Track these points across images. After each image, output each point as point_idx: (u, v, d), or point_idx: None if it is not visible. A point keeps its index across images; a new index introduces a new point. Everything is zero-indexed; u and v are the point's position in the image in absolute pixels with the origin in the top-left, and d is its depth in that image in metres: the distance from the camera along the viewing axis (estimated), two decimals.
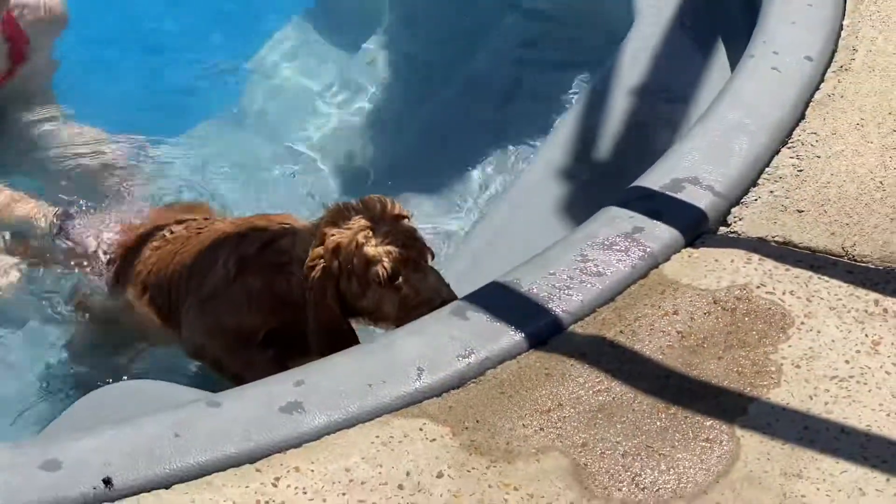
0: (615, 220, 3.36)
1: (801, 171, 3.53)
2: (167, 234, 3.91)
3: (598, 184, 4.24)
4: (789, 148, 3.61)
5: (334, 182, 4.80)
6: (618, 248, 3.27)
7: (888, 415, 2.84)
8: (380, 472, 2.75)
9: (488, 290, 3.21)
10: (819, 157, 3.56)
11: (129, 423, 2.85)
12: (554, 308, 3.12)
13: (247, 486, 2.72)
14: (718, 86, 4.07)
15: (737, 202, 3.45)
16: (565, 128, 4.45)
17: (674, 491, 2.72)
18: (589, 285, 3.17)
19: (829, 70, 3.87)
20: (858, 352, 2.99)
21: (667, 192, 3.44)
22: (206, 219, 4.02)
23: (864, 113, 3.70)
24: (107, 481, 2.68)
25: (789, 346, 3.01)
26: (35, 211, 4.31)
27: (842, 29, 4.04)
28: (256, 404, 2.89)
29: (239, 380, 3.53)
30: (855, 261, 3.24)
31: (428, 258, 3.43)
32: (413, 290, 3.36)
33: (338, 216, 3.43)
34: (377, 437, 2.83)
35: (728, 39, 4.54)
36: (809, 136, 3.63)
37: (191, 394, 3.23)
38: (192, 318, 3.69)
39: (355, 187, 4.69)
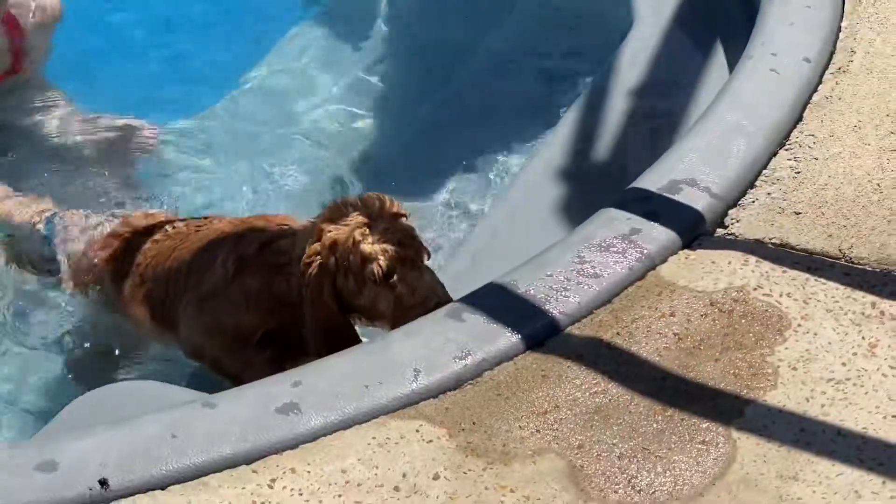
0: (612, 221, 3.36)
1: (798, 172, 3.53)
2: (168, 229, 3.92)
3: (596, 184, 4.24)
4: (787, 150, 3.61)
5: (334, 182, 4.80)
6: (615, 249, 3.27)
7: (885, 417, 2.84)
8: (376, 474, 2.75)
9: (485, 291, 3.21)
10: (817, 159, 3.56)
11: (125, 423, 2.85)
12: (551, 310, 3.12)
13: (243, 488, 2.72)
14: (717, 87, 4.07)
15: (734, 204, 3.45)
16: (564, 128, 4.46)
17: (670, 493, 2.72)
18: (586, 287, 3.17)
19: (827, 72, 3.87)
20: (855, 354, 2.99)
21: (664, 194, 3.44)
22: (205, 217, 4.02)
23: (861, 115, 3.70)
24: (103, 482, 2.69)
25: (786, 349, 3.01)
26: (20, 209, 4.31)
27: (840, 31, 4.04)
28: (253, 405, 2.90)
29: (237, 380, 3.54)
30: (852, 263, 3.24)
31: (424, 257, 3.43)
32: (408, 289, 3.36)
33: (336, 213, 3.44)
34: (373, 438, 2.84)
35: (727, 40, 4.54)
36: (807, 137, 3.63)
37: (188, 394, 3.24)
38: (190, 316, 3.69)
39: (355, 187, 4.70)
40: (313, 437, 2.84)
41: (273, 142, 5.04)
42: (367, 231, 3.36)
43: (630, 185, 3.51)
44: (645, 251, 3.27)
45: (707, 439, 2.82)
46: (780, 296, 3.15)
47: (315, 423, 2.85)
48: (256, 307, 3.58)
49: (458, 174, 4.66)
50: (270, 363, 3.56)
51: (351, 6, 5.76)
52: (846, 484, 2.71)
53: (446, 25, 5.47)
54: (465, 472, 2.76)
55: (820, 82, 3.84)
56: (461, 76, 5.11)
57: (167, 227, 3.95)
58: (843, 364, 2.97)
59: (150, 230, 3.99)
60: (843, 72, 3.87)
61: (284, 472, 2.76)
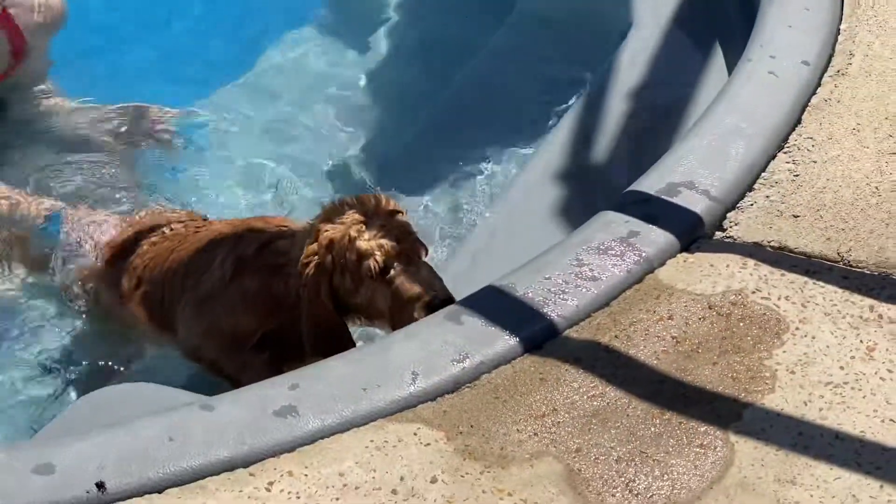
0: (611, 224, 3.36)
1: (797, 175, 3.52)
2: (166, 231, 3.92)
3: (595, 185, 4.25)
4: (785, 153, 3.61)
5: (333, 183, 4.80)
6: (613, 252, 3.27)
7: (882, 421, 2.84)
8: (374, 477, 2.75)
9: (483, 294, 3.21)
10: (815, 161, 3.56)
11: (123, 426, 2.85)
12: (549, 312, 3.12)
13: (240, 491, 2.72)
14: (716, 89, 4.07)
15: (733, 207, 3.45)
16: (563, 130, 4.46)
17: (667, 497, 2.71)
18: (584, 290, 3.17)
19: (825, 74, 3.87)
20: (853, 358, 2.99)
21: (663, 197, 3.43)
22: (204, 219, 4.03)
23: (860, 118, 3.70)
24: (100, 485, 2.68)
25: (784, 352, 3.01)
26: (25, 207, 4.32)
27: (839, 33, 4.04)
28: (251, 408, 2.89)
29: (234, 382, 3.54)
30: (850, 266, 3.23)
31: (422, 253, 3.43)
32: (405, 285, 3.35)
33: (333, 213, 3.44)
34: (371, 441, 2.83)
35: (726, 43, 4.54)
36: (806, 140, 3.63)
37: (186, 396, 3.23)
38: (188, 317, 3.69)
39: (354, 188, 4.70)
40: (311, 440, 2.83)
41: (271, 142, 5.04)
42: (363, 228, 3.36)
43: (628, 188, 3.51)
44: (643, 254, 3.26)
45: (705, 443, 2.82)
46: (779, 299, 3.15)
47: (313, 425, 2.85)
48: (254, 308, 3.58)
49: (457, 175, 4.66)
50: (268, 365, 3.56)
51: (350, 7, 5.77)
52: (844, 488, 2.71)
53: (446, 26, 5.48)
54: (462, 476, 2.76)
55: (819, 85, 3.84)
56: (461, 77, 5.11)
57: (165, 228, 3.95)
58: (841, 368, 2.97)
59: (148, 231, 3.99)
60: (842, 74, 3.87)
61: (282, 476, 2.75)
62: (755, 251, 3.30)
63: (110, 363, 3.94)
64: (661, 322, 3.11)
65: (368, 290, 3.40)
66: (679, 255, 3.30)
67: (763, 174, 3.54)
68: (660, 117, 4.38)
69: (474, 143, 4.78)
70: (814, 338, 3.04)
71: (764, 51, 3.93)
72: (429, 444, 2.83)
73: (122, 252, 3.99)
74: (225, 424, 2.84)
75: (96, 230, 4.13)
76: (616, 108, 4.47)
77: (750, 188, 3.50)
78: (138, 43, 5.52)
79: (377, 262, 3.34)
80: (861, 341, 3.03)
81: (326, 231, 3.39)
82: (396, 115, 5.11)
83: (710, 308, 3.14)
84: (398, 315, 3.35)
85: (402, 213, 3.45)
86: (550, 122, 4.72)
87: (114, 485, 2.71)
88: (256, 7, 5.82)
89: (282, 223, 3.78)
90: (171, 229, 3.93)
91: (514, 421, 2.89)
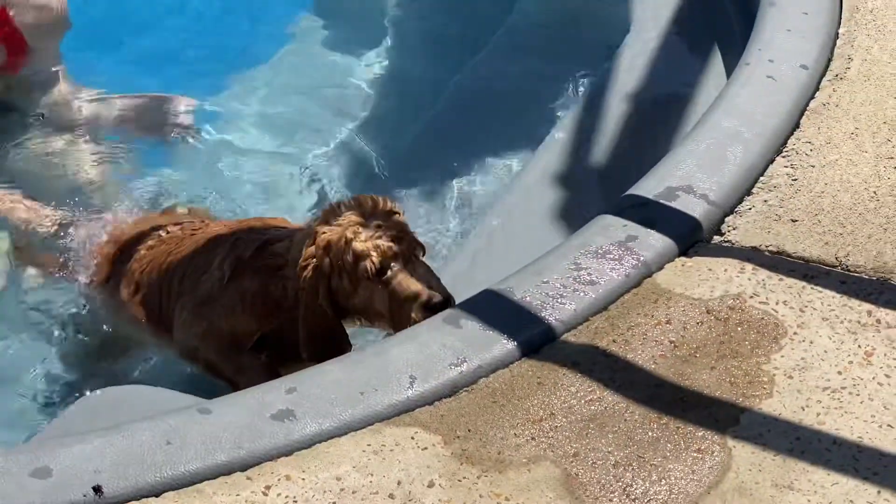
0: (609, 228, 3.36)
1: (795, 180, 3.52)
2: (162, 234, 3.92)
3: (593, 187, 4.25)
4: (784, 157, 3.61)
5: (332, 183, 4.80)
6: (611, 256, 3.26)
7: (880, 426, 2.84)
8: (371, 481, 2.75)
9: (481, 298, 3.21)
10: (813, 166, 3.56)
11: (120, 430, 2.84)
12: (547, 316, 3.11)
13: (237, 495, 2.72)
14: (714, 92, 4.08)
15: (731, 211, 3.45)
16: (562, 132, 4.47)
17: (665, 502, 2.71)
18: (582, 294, 3.17)
19: (824, 79, 3.88)
20: (851, 363, 2.99)
21: (661, 201, 3.43)
22: (202, 221, 4.02)
23: (858, 122, 3.70)
24: (96, 489, 2.68)
25: (782, 357, 3.01)
26: (31, 214, 4.32)
27: (837, 37, 4.04)
28: (248, 411, 2.89)
29: (231, 384, 3.54)
30: (848, 271, 3.23)
31: (419, 253, 3.43)
32: (402, 284, 3.34)
33: (331, 215, 3.44)
34: (369, 445, 2.83)
35: (724, 46, 4.54)
36: (804, 145, 3.63)
37: (183, 399, 3.23)
38: (185, 319, 3.68)
39: (353, 188, 4.70)
40: (308, 443, 2.83)
41: (270, 143, 5.04)
42: (360, 229, 3.36)
43: (627, 192, 3.51)
44: (641, 258, 3.26)
45: (702, 447, 2.82)
46: (777, 304, 3.15)
47: (310, 429, 2.85)
48: (253, 309, 3.57)
49: (457, 175, 4.66)
50: (265, 368, 3.56)
51: (350, 6, 5.77)
52: (841, 493, 2.70)
53: (446, 27, 5.48)
54: (459, 480, 2.76)
55: (817, 89, 3.84)
56: (460, 78, 5.11)
57: (162, 231, 3.95)
58: (839, 373, 2.97)
59: (147, 234, 3.99)
60: (841, 79, 3.87)
61: (279, 479, 2.75)
62: (753, 255, 3.30)
63: (108, 365, 3.95)
64: (659, 326, 3.11)
65: (366, 291, 3.39)
66: (677, 260, 3.30)
67: (761, 178, 3.54)
68: (658, 120, 4.38)
69: (474, 144, 4.78)
70: (812, 342, 3.04)
71: (762, 54, 3.93)
72: (426, 449, 2.83)
73: (119, 256, 3.99)
74: (222, 428, 2.84)
75: (98, 234, 4.13)
76: (615, 110, 4.47)
77: (748, 192, 3.50)
78: (145, 34, 5.55)
79: (373, 262, 3.34)
80: (859, 346, 3.03)
81: (324, 233, 3.39)
82: (396, 117, 5.11)
83: (708, 312, 3.14)
84: (397, 315, 3.35)
85: (400, 213, 3.45)
86: (550, 124, 4.71)
87: (111, 489, 2.70)
88: (255, 6, 5.82)
89: (280, 224, 3.78)
90: (168, 232, 3.93)
91: (512, 425, 2.88)
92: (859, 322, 3.09)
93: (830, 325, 3.08)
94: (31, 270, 4.24)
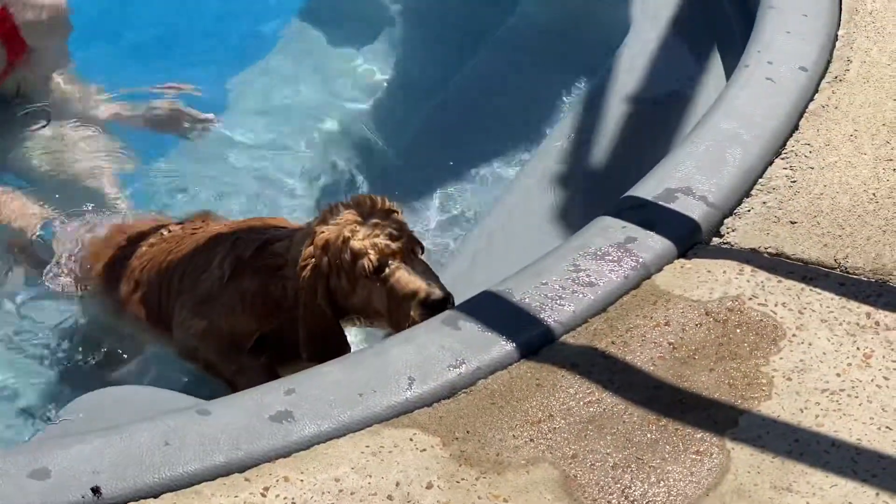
0: (608, 229, 3.36)
1: (794, 182, 3.52)
2: (163, 233, 3.92)
3: (593, 189, 4.25)
4: (783, 159, 3.61)
5: (332, 183, 4.80)
6: (610, 258, 3.26)
7: (879, 428, 2.84)
8: (369, 483, 2.75)
9: (480, 299, 3.21)
10: (812, 168, 3.56)
11: (118, 431, 2.84)
12: (546, 318, 3.11)
13: (236, 496, 2.72)
14: (714, 94, 4.08)
15: (730, 213, 3.45)
16: (562, 133, 4.47)
17: (663, 503, 2.71)
18: (581, 295, 3.17)
19: (823, 80, 3.88)
20: (850, 365, 2.99)
21: (660, 202, 3.43)
22: (203, 221, 4.02)
23: (857, 124, 3.70)
24: (95, 490, 2.68)
25: (781, 359, 3.01)
26: (21, 213, 4.32)
27: (837, 39, 4.04)
28: (246, 413, 2.89)
29: (230, 384, 3.54)
30: (847, 273, 3.23)
31: (418, 251, 3.43)
32: (400, 282, 3.34)
33: (329, 215, 3.44)
34: (367, 446, 2.83)
35: (724, 48, 4.54)
36: (803, 146, 3.63)
37: (182, 400, 3.23)
38: (185, 318, 3.68)
39: (352, 188, 4.70)
40: (307, 445, 2.83)
41: (269, 144, 5.04)
42: (357, 228, 3.36)
43: (626, 193, 3.51)
44: (640, 260, 3.26)
45: (701, 449, 2.82)
46: (776, 305, 3.15)
47: (308, 431, 2.85)
48: (253, 309, 3.57)
49: (456, 177, 4.66)
50: (264, 369, 3.56)
51: (351, 6, 5.77)
52: (840, 495, 2.71)
53: (446, 27, 5.48)
54: (458, 482, 2.76)
55: (816, 91, 3.84)
56: (460, 79, 5.11)
57: (162, 230, 3.95)
58: (838, 375, 2.97)
59: (146, 234, 3.99)
60: (840, 81, 3.87)
61: (277, 481, 2.75)
62: (752, 257, 3.30)
63: (106, 365, 3.94)
64: (658, 328, 3.11)
65: (364, 290, 3.39)
66: (676, 261, 3.30)
67: (760, 180, 3.54)
68: (657, 122, 4.38)
69: (473, 145, 4.78)
70: (810, 344, 3.04)
71: (762, 56, 3.93)
72: (425, 450, 2.83)
73: (118, 256, 3.99)
74: (221, 429, 2.84)
75: (92, 235, 4.12)
76: (614, 111, 4.48)
77: (747, 194, 3.50)
78: (147, 29, 5.56)
79: (371, 260, 3.34)
80: (858, 348, 3.03)
81: (322, 232, 3.39)
82: (395, 118, 5.11)
83: (706, 314, 3.14)
84: (395, 313, 3.35)
85: (398, 212, 3.45)
86: (549, 125, 4.72)
87: (109, 490, 2.70)
88: (252, 8, 5.82)
89: (280, 224, 3.78)
90: (169, 231, 3.93)
91: (511, 427, 2.88)
92: (858, 324, 3.09)
93: (829, 326, 3.08)
94: (30, 270, 4.24)
